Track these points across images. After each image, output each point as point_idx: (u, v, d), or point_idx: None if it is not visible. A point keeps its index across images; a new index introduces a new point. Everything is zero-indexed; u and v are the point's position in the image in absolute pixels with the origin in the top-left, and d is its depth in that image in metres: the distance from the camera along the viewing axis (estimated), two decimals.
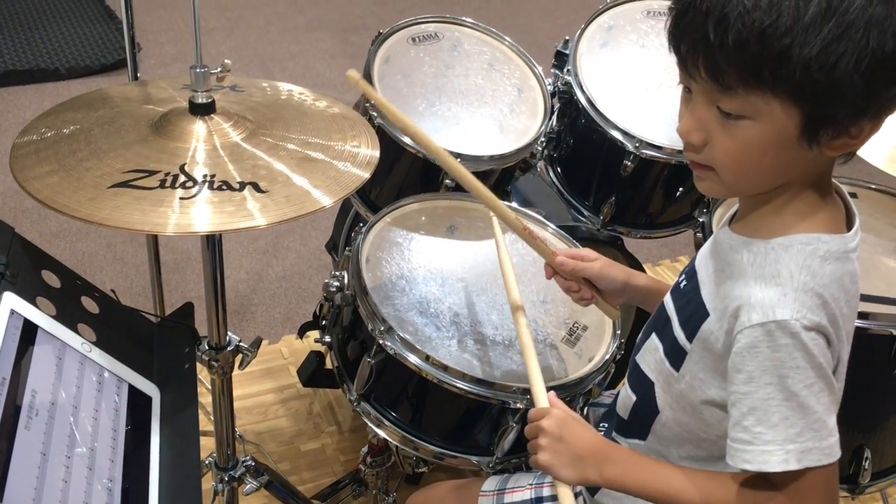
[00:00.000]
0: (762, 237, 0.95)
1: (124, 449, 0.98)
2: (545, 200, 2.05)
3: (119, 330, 1.12)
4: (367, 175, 1.17)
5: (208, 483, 1.53)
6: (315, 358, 1.69)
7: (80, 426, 0.93)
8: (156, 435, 1.04)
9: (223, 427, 1.43)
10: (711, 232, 1.64)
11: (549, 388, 1.15)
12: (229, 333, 1.36)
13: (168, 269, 2.65)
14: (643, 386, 1.13)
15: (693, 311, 1.03)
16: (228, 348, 1.35)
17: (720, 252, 1.02)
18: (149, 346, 1.15)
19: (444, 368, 1.27)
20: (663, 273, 2.98)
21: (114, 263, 2.69)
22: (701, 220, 1.69)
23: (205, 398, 2.03)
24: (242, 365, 1.37)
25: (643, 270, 2.09)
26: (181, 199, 1.05)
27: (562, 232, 1.60)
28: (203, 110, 1.17)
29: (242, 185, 1.08)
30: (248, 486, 1.47)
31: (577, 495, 1.09)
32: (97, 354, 1.04)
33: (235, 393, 1.45)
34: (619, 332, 1.41)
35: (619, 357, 1.40)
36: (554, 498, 1.28)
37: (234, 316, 2.57)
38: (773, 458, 0.90)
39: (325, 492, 1.83)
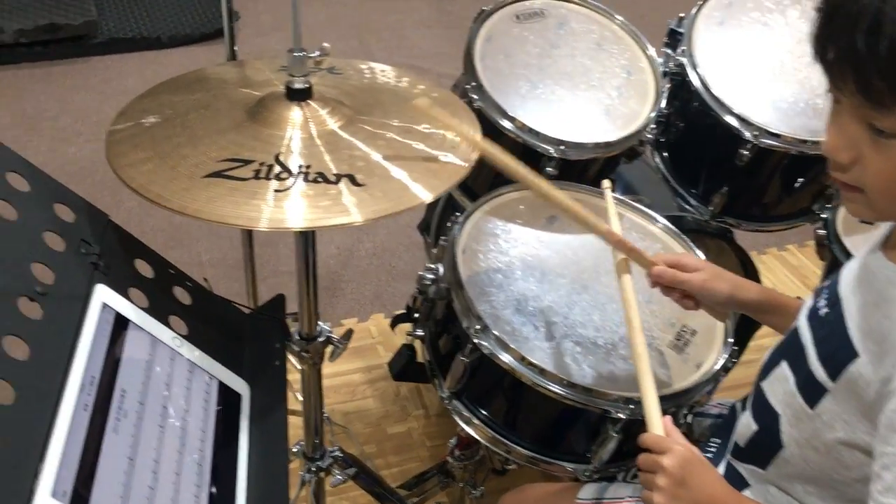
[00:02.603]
0: None
1: (212, 451, 0.95)
2: (649, 187, 1.94)
3: (211, 322, 1.09)
4: (468, 166, 1.10)
5: (295, 472, 1.51)
6: (406, 352, 1.64)
7: (169, 428, 0.90)
8: (244, 435, 1.01)
9: (312, 417, 1.40)
10: (835, 232, 1.52)
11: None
12: (320, 323, 1.32)
13: (260, 242, 2.66)
14: (767, 416, 1.03)
15: (836, 346, 0.92)
16: (319, 339, 1.31)
17: (873, 283, 0.90)
18: (239, 339, 1.12)
19: (541, 372, 1.20)
20: (769, 263, 2.82)
21: (208, 235, 2.71)
22: (824, 216, 1.56)
23: (292, 375, 2.03)
24: (333, 357, 1.33)
25: (753, 266, 1.97)
26: (276, 191, 1.00)
27: (669, 225, 1.50)
28: (300, 96, 1.12)
29: (338, 178, 1.03)
30: (336, 478, 1.45)
31: None
32: (188, 349, 1.01)
33: (324, 371, 1.43)
34: (730, 339, 1.31)
35: (731, 366, 1.30)
36: None
37: (324, 292, 2.55)
38: None
39: (411, 481, 1.80)
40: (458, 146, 1.13)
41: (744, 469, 1.10)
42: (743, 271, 1.94)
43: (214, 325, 1.10)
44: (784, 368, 1.01)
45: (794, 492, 1.02)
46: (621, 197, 1.52)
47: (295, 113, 1.11)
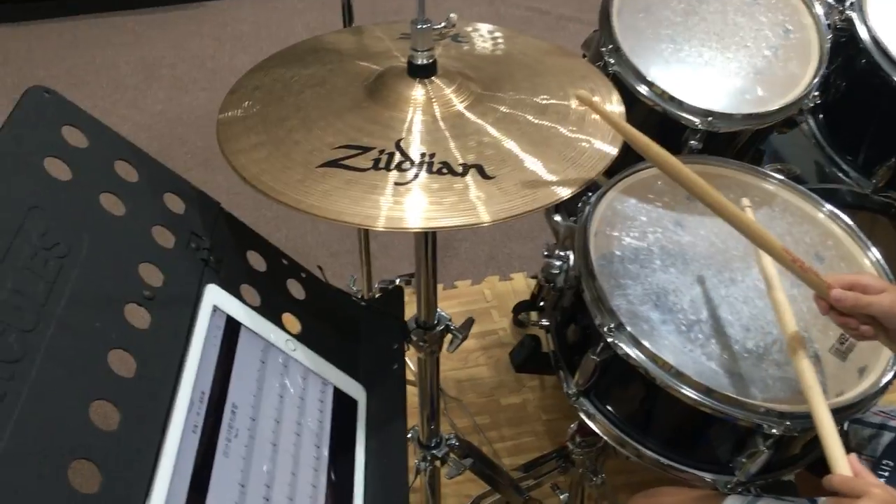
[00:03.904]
0: None
1: (328, 468, 0.88)
2: (800, 154, 1.75)
3: (325, 318, 1.02)
4: (614, 152, 0.97)
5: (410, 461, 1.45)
6: (531, 342, 1.54)
7: (282, 446, 0.84)
8: (361, 446, 0.94)
9: (429, 405, 1.33)
10: None
11: None
12: (439, 311, 1.23)
13: None
14: None
15: None
16: (438, 328, 1.22)
17: None
18: (355, 338, 1.04)
19: (683, 377, 1.08)
20: None
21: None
22: None
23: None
24: (452, 347, 1.25)
25: None
26: (396, 184, 0.90)
27: (836, 211, 1.32)
28: (423, 72, 1.00)
29: (466, 169, 0.92)
30: (452, 468, 1.38)
31: None
32: (302, 353, 0.94)
33: None
34: None
35: None
36: None
37: (437, 252, 2.47)
38: None
39: (528, 463, 1.72)
40: (602, 130, 1.00)
41: None
42: None
43: (329, 321, 1.02)
44: None
45: None
46: (775, 175, 1.36)
47: (417, 92, 1.00)
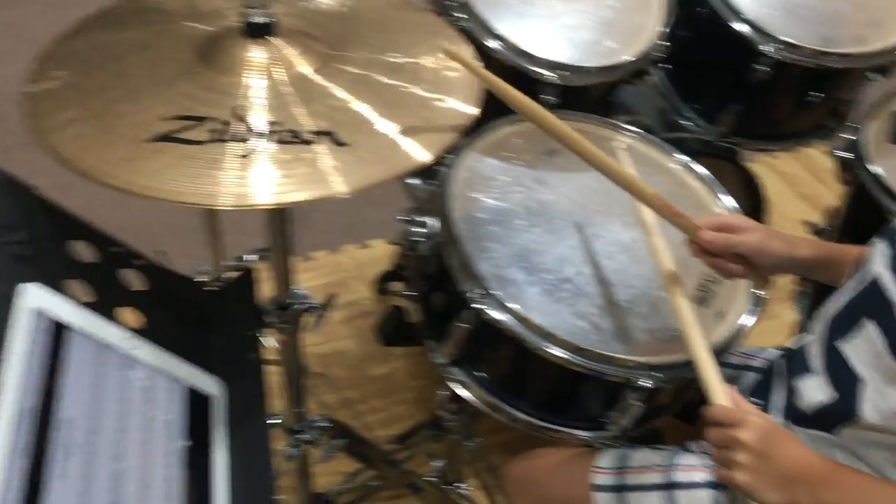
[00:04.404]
0: None
1: (182, 473, 0.80)
2: (645, 102, 1.77)
3: (170, 309, 0.92)
4: (474, 111, 0.92)
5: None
6: (396, 314, 1.49)
7: (129, 460, 0.75)
8: (221, 444, 0.86)
9: (294, 388, 1.26)
10: (863, 155, 1.37)
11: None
12: (297, 289, 1.15)
13: None
14: (848, 382, 0.92)
15: None
16: (296, 307, 1.15)
17: None
18: (204, 327, 0.95)
19: (552, 338, 1.06)
20: (759, 171, 2.69)
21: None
22: (849, 136, 1.40)
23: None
24: (316, 327, 1.18)
25: (758, 190, 1.83)
26: (240, 156, 0.82)
27: (689, 162, 1.33)
28: (260, 32, 0.91)
29: (317, 137, 0.84)
30: (324, 451, 1.31)
31: None
32: (145, 350, 0.84)
33: None
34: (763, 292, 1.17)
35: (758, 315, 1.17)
36: (689, 485, 1.10)
37: (291, 224, 2.37)
38: None
39: (402, 435, 1.68)
40: (459, 88, 0.95)
41: (804, 434, 0.99)
42: (747, 194, 1.81)
43: (175, 312, 0.93)
44: (869, 328, 0.90)
45: (869, 458, 0.92)
46: (629, 127, 1.35)
47: (256, 54, 0.91)
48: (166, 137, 0.82)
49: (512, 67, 1.32)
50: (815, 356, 1.00)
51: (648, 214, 1.11)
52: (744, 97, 1.56)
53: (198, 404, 0.87)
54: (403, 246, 1.19)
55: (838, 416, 0.94)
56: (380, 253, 2.29)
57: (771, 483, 0.85)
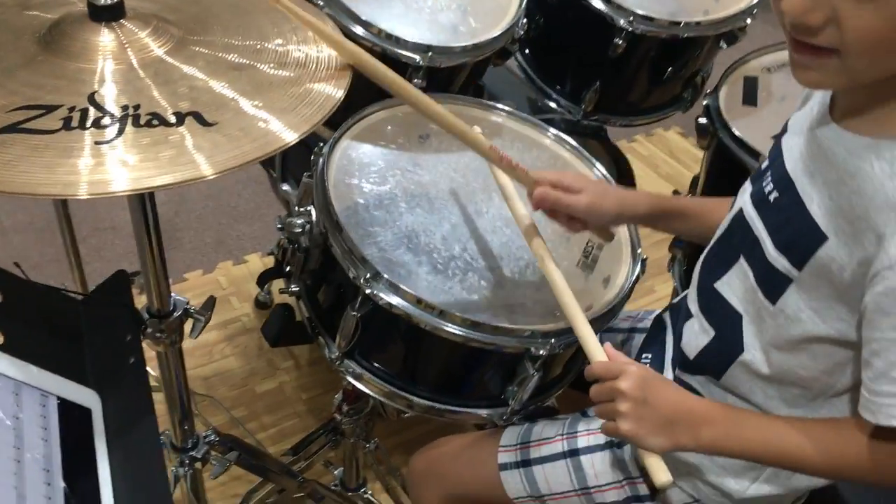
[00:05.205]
0: None
1: (64, 490, 0.73)
2: (512, 90, 1.80)
3: (32, 321, 0.84)
4: (339, 94, 0.90)
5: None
6: (283, 312, 1.42)
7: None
8: (104, 460, 0.79)
9: (178, 402, 1.18)
10: (721, 118, 1.43)
11: None
12: (174, 295, 1.09)
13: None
14: (726, 319, 0.94)
15: (798, 232, 0.83)
16: (175, 314, 1.08)
17: (831, 158, 0.81)
18: (75, 337, 0.87)
19: (447, 315, 1.03)
20: (641, 150, 2.80)
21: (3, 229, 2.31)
22: (706, 102, 1.46)
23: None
24: (194, 332, 1.11)
25: (626, 163, 1.89)
26: (96, 143, 0.76)
27: (561, 135, 1.35)
28: (108, 14, 0.85)
29: (181, 118, 0.79)
30: (216, 467, 1.24)
31: None
32: (6, 365, 0.77)
33: None
34: (639, 248, 1.20)
35: (641, 276, 1.19)
36: (591, 449, 1.11)
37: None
38: None
39: (297, 445, 1.61)
40: (325, 70, 0.92)
41: (695, 381, 1.02)
42: (616, 168, 1.86)
43: (38, 324, 0.85)
44: (742, 264, 0.93)
45: (754, 397, 0.95)
46: (500, 106, 1.36)
47: (105, 38, 0.85)
48: (12, 128, 0.75)
49: (379, 53, 1.29)
50: (693, 300, 1.03)
51: (504, 177, 1.13)
52: (605, 74, 1.60)
53: (75, 418, 0.79)
54: (285, 240, 1.14)
55: (722, 356, 0.96)
56: (256, 268, 2.22)
57: (653, 428, 0.86)
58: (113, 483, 0.78)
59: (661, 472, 0.86)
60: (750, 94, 1.49)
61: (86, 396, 0.82)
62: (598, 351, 0.93)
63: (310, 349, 2.04)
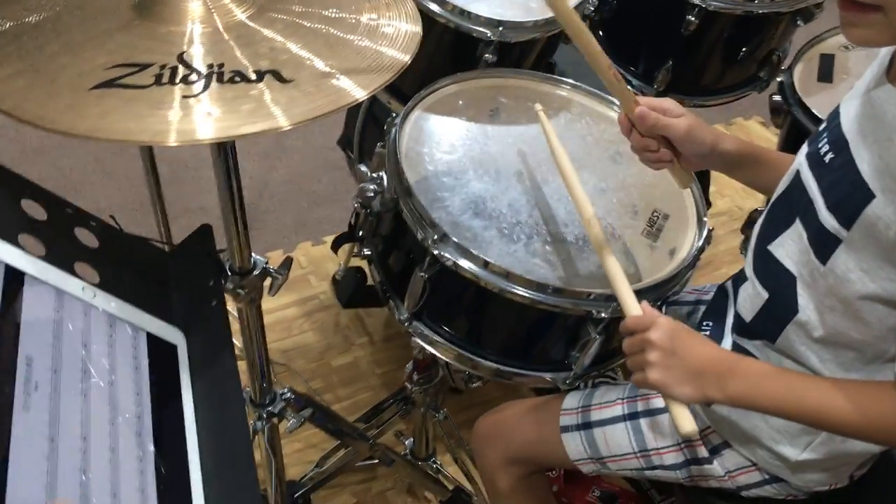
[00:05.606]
0: None
1: (151, 416, 0.79)
2: (584, 69, 1.80)
3: (126, 266, 0.92)
4: (407, 58, 0.94)
5: None
6: (354, 275, 1.49)
7: (94, 396, 0.74)
8: (187, 391, 0.85)
9: (256, 359, 1.25)
10: (795, 94, 1.42)
11: (636, 292, 0.99)
12: (254, 254, 1.15)
13: (164, 179, 2.43)
14: (780, 281, 0.95)
15: (848, 191, 0.83)
16: (255, 272, 1.14)
17: (883, 117, 0.81)
18: (164, 283, 0.95)
19: (513, 277, 1.07)
20: None
21: (103, 178, 2.46)
22: (780, 79, 1.46)
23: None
24: (272, 290, 1.17)
25: None
26: (184, 97, 0.82)
27: (609, 97, 1.37)
28: None
29: (261, 75, 0.85)
30: (291, 421, 1.30)
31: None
32: (102, 300, 0.84)
33: None
34: (705, 217, 1.21)
35: (707, 246, 1.20)
36: (650, 412, 1.12)
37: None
38: None
39: (368, 413, 1.67)
40: (393, 37, 0.96)
41: (752, 346, 1.02)
42: None
43: (131, 268, 0.92)
44: (797, 225, 0.94)
45: (809, 361, 0.95)
46: (567, 80, 1.39)
47: (193, 4, 0.91)
48: (109, 83, 0.82)
49: (452, 28, 1.34)
50: (749, 264, 1.03)
51: (566, 164, 1.14)
52: (677, 53, 1.60)
53: (162, 352, 0.86)
54: (358, 204, 1.19)
55: (776, 318, 0.97)
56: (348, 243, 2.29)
57: (681, 378, 0.88)
58: (196, 414, 0.84)
59: (686, 422, 0.87)
60: (826, 72, 1.48)
61: (172, 333, 0.89)
62: (632, 307, 0.96)
63: (384, 326, 2.10)
